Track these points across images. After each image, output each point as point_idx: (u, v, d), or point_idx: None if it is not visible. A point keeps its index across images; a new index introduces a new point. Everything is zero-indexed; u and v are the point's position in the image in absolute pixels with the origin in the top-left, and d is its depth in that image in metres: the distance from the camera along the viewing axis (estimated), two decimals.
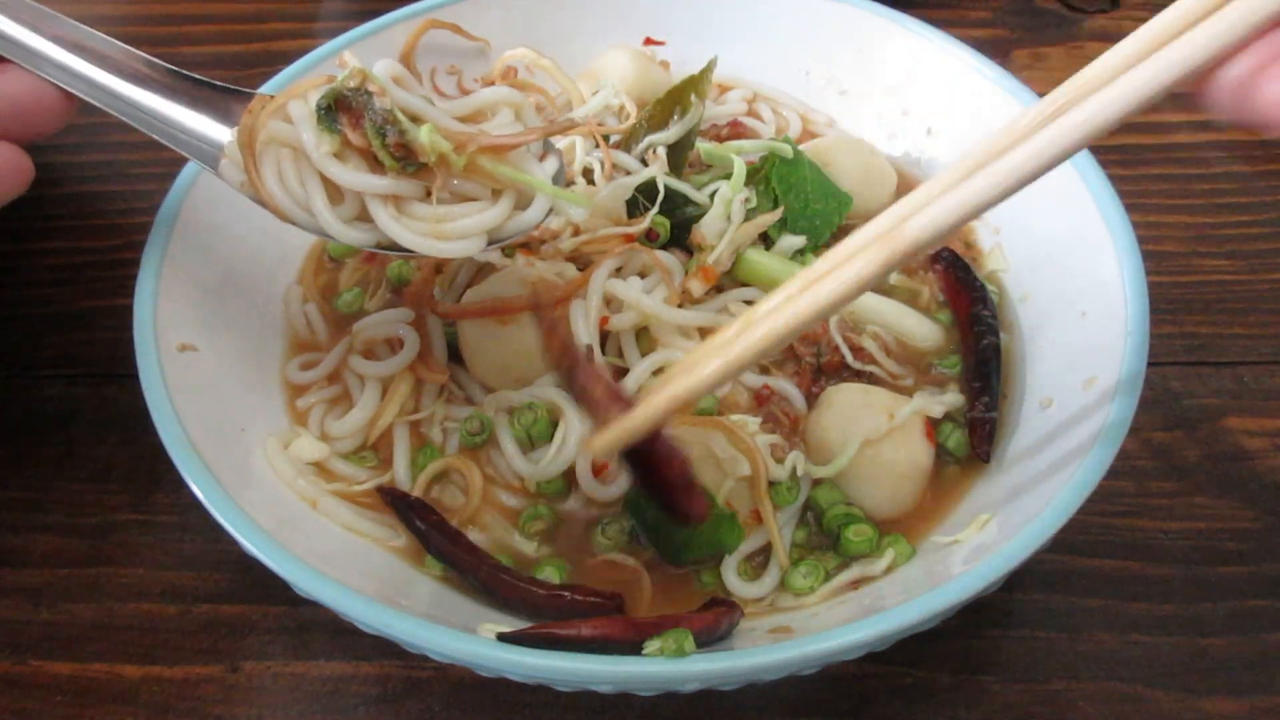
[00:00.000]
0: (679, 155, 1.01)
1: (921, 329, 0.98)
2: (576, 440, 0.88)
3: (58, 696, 0.84)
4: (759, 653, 0.67)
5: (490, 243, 0.78)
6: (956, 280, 1.01)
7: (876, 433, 0.85)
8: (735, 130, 1.16)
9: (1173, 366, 1.06)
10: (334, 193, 0.75)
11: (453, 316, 0.94)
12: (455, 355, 0.95)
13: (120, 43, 0.78)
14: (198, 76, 0.81)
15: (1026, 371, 0.95)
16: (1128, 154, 1.29)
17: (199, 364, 0.87)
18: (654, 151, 0.99)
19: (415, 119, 0.74)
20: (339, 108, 0.73)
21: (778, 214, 0.99)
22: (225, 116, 0.80)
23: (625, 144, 1.02)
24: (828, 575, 0.83)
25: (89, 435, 1.01)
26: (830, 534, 0.86)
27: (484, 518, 0.88)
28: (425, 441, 0.92)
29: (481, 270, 0.98)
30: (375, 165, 0.74)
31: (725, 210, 0.97)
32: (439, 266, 0.99)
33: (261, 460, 0.87)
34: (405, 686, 0.85)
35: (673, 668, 0.67)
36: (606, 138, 1.01)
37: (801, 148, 1.05)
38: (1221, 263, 1.16)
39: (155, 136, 0.78)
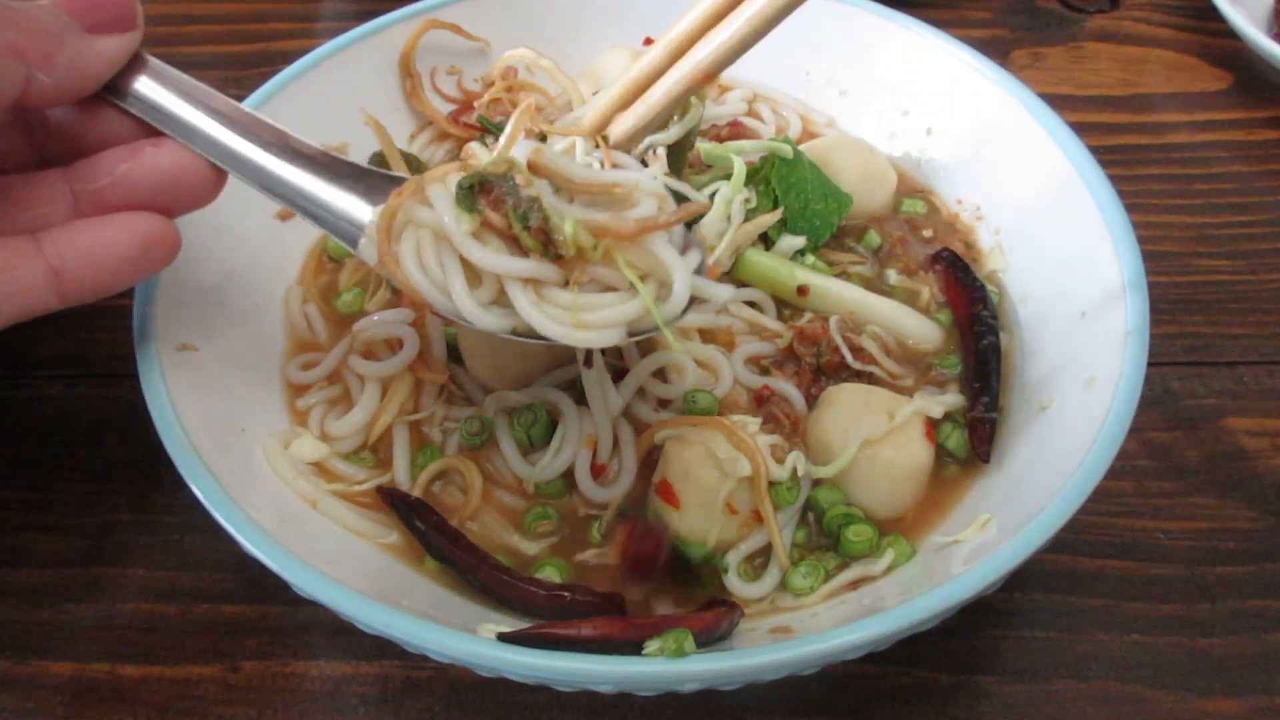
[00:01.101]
0: (679, 156, 1.01)
1: (921, 329, 0.98)
2: (575, 441, 0.88)
3: (58, 696, 0.84)
4: (759, 653, 0.67)
5: (630, 334, 0.75)
6: (956, 280, 1.01)
7: (876, 433, 0.85)
8: (735, 130, 1.16)
9: (1173, 366, 1.06)
10: (471, 276, 0.73)
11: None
12: (455, 355, 0.95)
13: (269, 120, 0.79)
14: (344, 158, 0.81)
15: (1026, 371, 0.95)
16: (1128, 154, 1.29)
17: (199, 364, 0.87)
18: (654, 152, 0.99)
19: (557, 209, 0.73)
20: (480, 190, 0.71)
21: (778, 214, 0.99)
22: (368, 195, 0.80)
23: (625, 144, 1.02)
24: (828, 575, 0.84)
25: (89, 435, 1.01)
26: (830, 534, 0.86)
27: (484, 517, 0.88)
28: (425, 441, 0.92)
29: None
30: (514, 249, 0.72)
31: (725, 210, 0.97)
32: None
33: (261, 460, 0.87)
34: (405, 686, 0.85)
35: (673, 668, 0.67)
36: (606, 138, 1.01)
37: (801, 148, 1.05)
38: (1221, 263, 1.16)
39: (297, 212, 0.79)
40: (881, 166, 1.09)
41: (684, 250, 0.77)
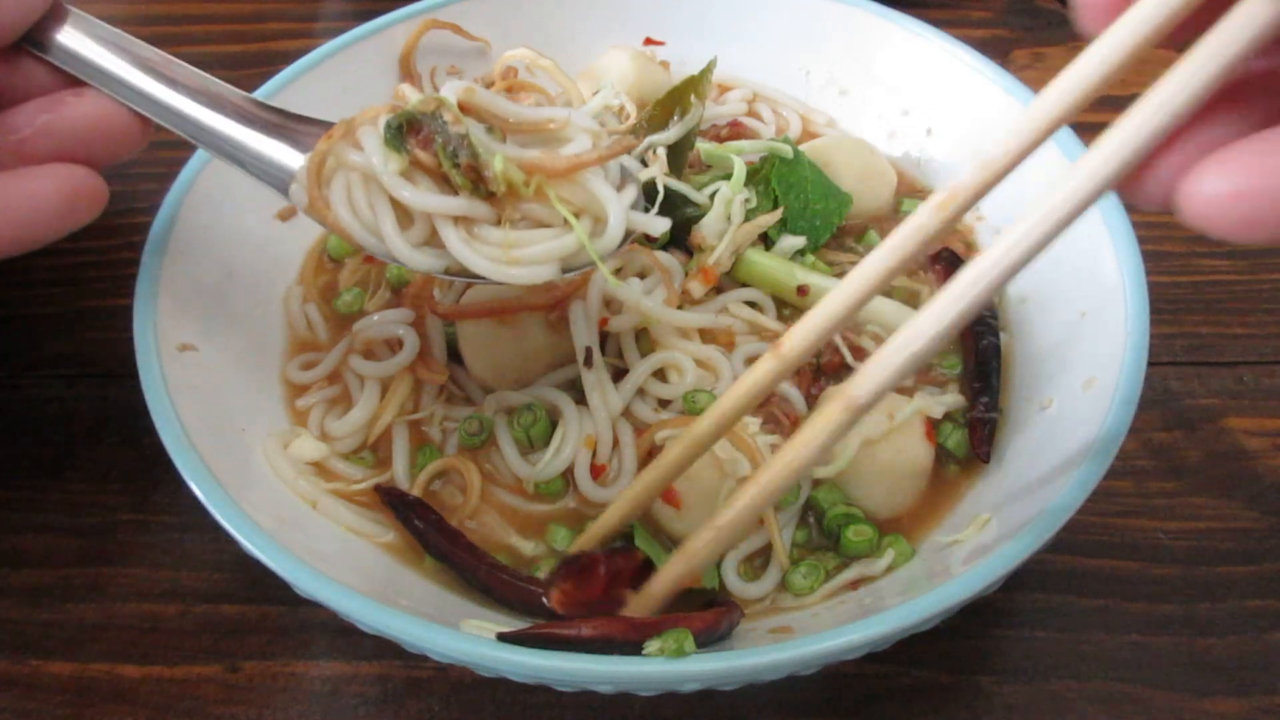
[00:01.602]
0: (679, 156, 1.01)
1: None
2: (575, 442, 0.88)
3: (58, 696, 0.84)
4: (759, 653, 0.67)
5: (565, 270, 0.76)
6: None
7: (876, 433, 0.85)
8: (735, 130, 1.16)
9: (1173, 366, 1.06)
10: (403, 217, 0.74)
11: (452, 317, 0.94)
12: (455, 355, 0.95)
13: (195, 69, 0.78)
14: (274, 105, 0.81)
15: (1026, 371, 0.95)
16: None
17: (199, 364, 0.87)
18: (654, 152, 0.99)
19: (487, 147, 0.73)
20: (409, 129, 0.71)
21: (778, 214, 0.99)
22: (298, 143, 0.79)
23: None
24: (828, 575, 0.84)
25: (89, 435, 1.01)
26: (830, 534, 0.86)
27: (483, 517, 0.88)
28: (425, 441, 0.92)
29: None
30: (444, 188, 0.72)
31: (725, 210, 0.97)
32: None
33: (261, 460, 0.87)
34: (405, 686, 0.85)
35: (673, 668, 0.67)
36: None
37: (801, 148, 1.05)
38: (1221, 263, 1.16)
39: (226, 162, 0.79)
40: (881, 166, 1.09)
41: (620, 187, 0.78)
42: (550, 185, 0.72)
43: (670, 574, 0.73)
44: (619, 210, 0.74)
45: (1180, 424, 1.02)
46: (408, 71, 1.15)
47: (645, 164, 1.00)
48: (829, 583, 0.83)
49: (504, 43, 1.17)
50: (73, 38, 0.75)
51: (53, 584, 0.91)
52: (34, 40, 0.73)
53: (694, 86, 1.00)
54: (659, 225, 0.78)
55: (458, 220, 0.72)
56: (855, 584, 0.83)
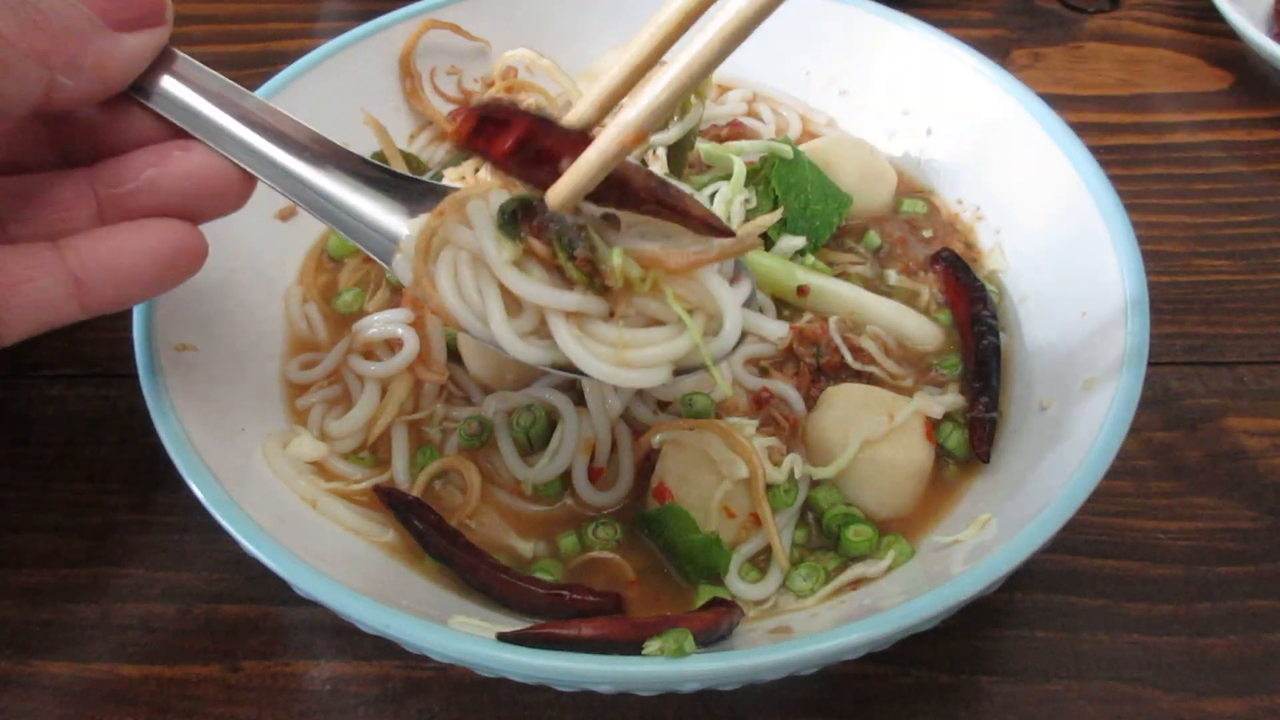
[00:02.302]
0: (679, 156, 1.01)
1: (921, 330, 0.98)
2: (573, 444, 0.88)
3: (58, 696, 0.84)
4: (759, 653, 0.67)
5: (676, 372, 0.71)
6: (956, 280, 1.01)
7: (876, 433, 0.85)
8: (735, 130, 1.16)
9: (1173, 366, 1.06)
10: (511, 304, 0.70)
11: None
12: (455, 355, 0.95)
13: (301, 122, 0.75)
14: (383, 165, 0.77)
15: (1026, 371, 0.95)
16: (1128, 154, 1.29)
17: (199, 364, 0.87)
18: (654, 152, 0.99)
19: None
20: (523, 215, 0.68)
21: (778, 214, 0.99)
22: (405, 207, 0.76)
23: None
24: (828, 576, 0.83)
25: (89, 435, 1.01)
26: (830, 534, 0.86)
27: (482, 517, 0.88)
28: (424, 441, 0.92)
29: None
30: (557, 278, 0.69)
31: (725, 211, 0.97)
32: None
33: (261, 460, 0.87)
34: (405, 686, 0.85)
35: (673, 668, 0.67)
36: None
37: (801, 148, 1.05)
38: (1221, 263, 1.16)
39: (329, 223, 0.76)
40: (881, 166, 1.09)
41: (734, 281, 0.73)
42: (667, 282, 0.68)
43: (617, 125, 0.63)
44: (735, 311, 0.70)
45: (1180, 424, 1.02)
46: (407, 71, 1.15)
47: (645, 164, 1.00)
48: (829, 583, 0.83)
49: (504, 43, 1.17)
50: (179, 87, 0.72)
51: (53, 584, 0.91)
52: (140, 87, 0.70)
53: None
54: (777, 329, 0.76)
55: (569, 315, 0.69)
56: (855, 584, 0.83)
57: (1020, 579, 0.88)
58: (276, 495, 0.84)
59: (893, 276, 1.04)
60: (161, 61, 0.71)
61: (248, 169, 0.73)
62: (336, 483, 0.88)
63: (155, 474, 0.97)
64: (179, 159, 0.71)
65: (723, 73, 1.18)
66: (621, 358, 0.69)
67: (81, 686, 0.85)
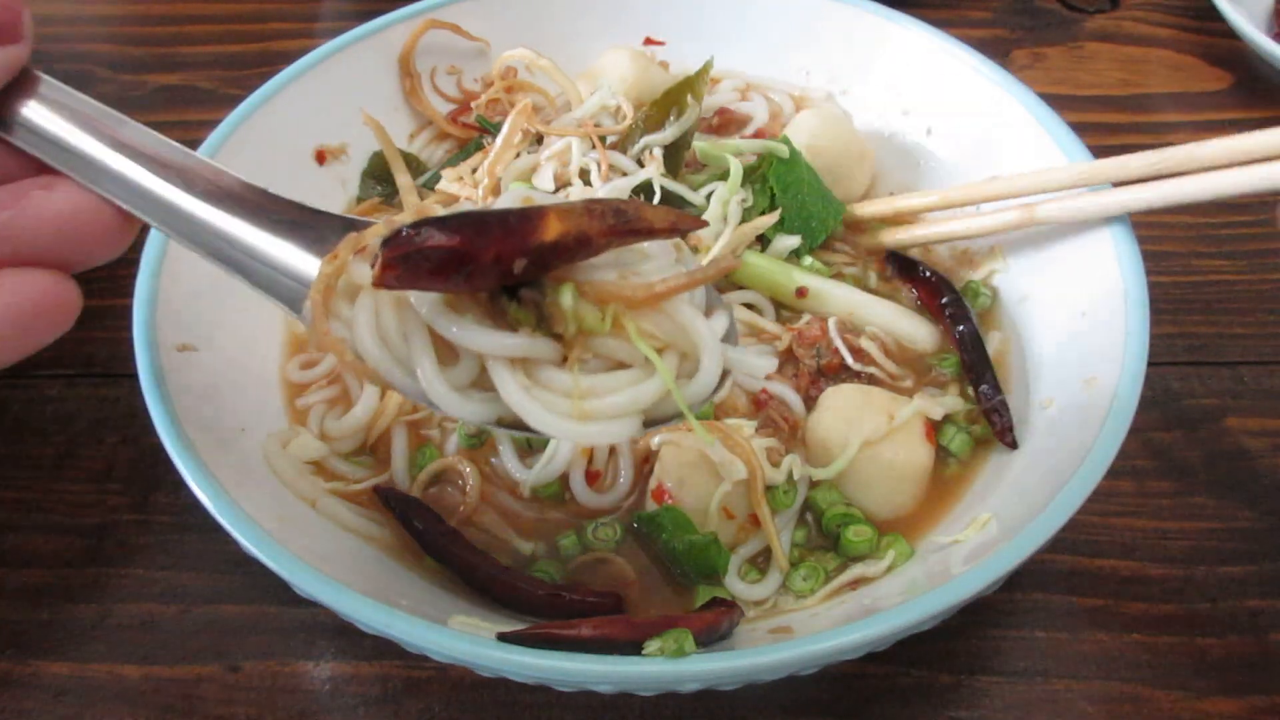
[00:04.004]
0: (675, 156, 1.01)
1: (918, 331, 0.98)
2: (570, 446, 0.88)
3: (58, 696, 0.84)
4: (759, 653, 0.67)
5: (647, 423, 0.61)
6: (915, 277, 1.02)
7: (876, 434, 0.85)
8: (724, 117, 1.16)
9: (1173, 366, 1.06)
10: (446, 351, 0.60)
11: None
12: None
13: (192, 151, 0.65)
14: (288, 199, 0.67)
15: (1026, 371, 0.95)
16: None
17: (199, 364, 0.87)
18: (650, 153, 0.99)
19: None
20: None
21: (775, 216, 0.98)
22: (320, 246, 0.65)
23: (621, 145, 1.02)
24: (828, 576, 0.83)
25: (89, 435, 1.01)
26: (830, 535, 0.86)
27: (482, 518, 0.88)
28: (424, 442, 0.92)
29: None
30: (499, 320, 0.59)
31: (722, 211, 0.97)
32: None
33: (261, 460, 0.87)
34: (405, 686, 0.85)
35: (673, 668, 0.67)
36: (603, 139, 1.01)
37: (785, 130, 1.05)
38: (1221, 263, 1.16)
39: (229, 270, 0.66)
40: (861, 147, 1.09)
41: (708, 312, 0.63)
42: (630, 316, 0.59)
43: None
44: (713, 346, 0.60)
45: (1180, 424, 1.02)
46: (407, 71, 1.15)
47: (641, 165, 1.00)
48: (829, 583, 0.83)
49: (503, 43, 1.17)
50: (42, 114, 0.62)
51: (53, 584, 0.91)
52: None
53: (690, 87, 1.00)
54: (765, 366, 0.67)
55: (516, 361, 0.59)
56: (855, 584, 0.83)
57: (1020, 579, 0.88)
58: (276, 495, 0.84)
59: (872, 279, 1.04)
60: (19, 85, 0.62)
61: (127, 208, 0.62)
62: (336, 483, 0.88)
63: (155, 474, 0.97)
64: (39, 200, 0.60)
65: (722, 72, 1.19)
66: (580, 409, 0.59)
67: (81, 686, 0.85)
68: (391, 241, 0.54)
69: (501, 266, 0.56)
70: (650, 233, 0.60)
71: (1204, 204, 0.87)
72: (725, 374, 0.62)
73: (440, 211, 0.57)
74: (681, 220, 0.61)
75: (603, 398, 0.60)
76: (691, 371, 0.61)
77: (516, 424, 0.60)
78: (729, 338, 0.64)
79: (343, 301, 0.61)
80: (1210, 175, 0.85)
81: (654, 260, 0.62)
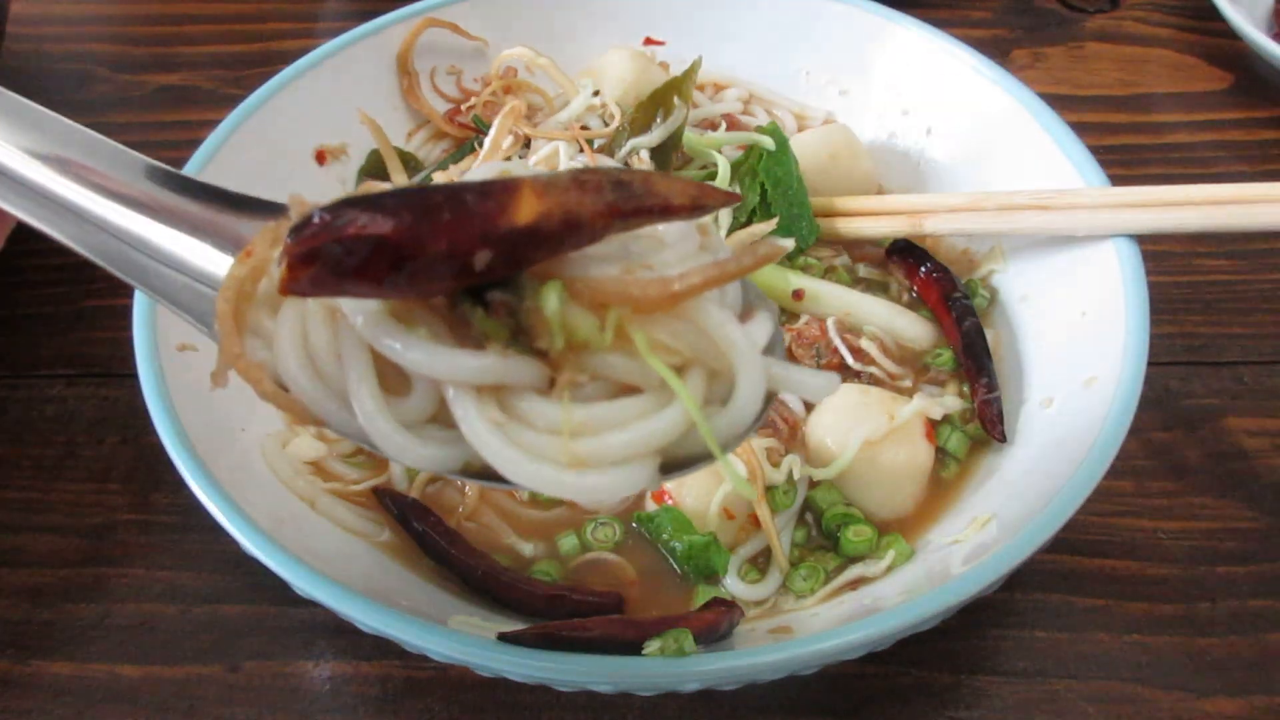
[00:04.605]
0: (664, 158, 1.01)
1: (915, 329, 0.98)
2: None
3: (58, 696, 0.84)
4: (759, 653, 0.67)
5: (666, 469, 0.47)
6: (919, 269, 1.02)
7: (876, 434, 0.85)
8: (731, 123, 1.16)
9: (1173, 366, 1.06)
10: (393, 377, 0.46)
11: None
12: None
13: (85, 128, 0.52)
14: (204, 183, 0.55)
15: (1026, 371, 0.95)
16: (1128, 154, 1.29)
17: (199, 364, 0.87)
18: (638, 156, 0.99)
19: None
20: None
21: (772, 224, 0.98)
22: (238, 241, 0.53)
23: (609, 148, 1.02)
24: (827, 576, 0.83)
25: (89, 435, 1.01)
26: (830, 535, 0.86)
27: (482, 518, 0.88)
28: None
29: None
30: (463, 333, 0.45)
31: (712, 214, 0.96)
32: None
33: (260, 460, 0.87)
34: (405, 686, 0.85)
35: (673, 668, 0.67)
36: (590, 142, 1.00)
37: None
38: (1221, 263, 1.16)
39: (117, 271, 0.52)
40: (855, 146, 1.09)
41: (745, 316, 0.50)
42: (639, 324, 0.44)
43: None
44: (753, 361, 0.46)
45: (1180, 424, 1.02)
46: (405, 70, 1.15)
47: (628, 166, 0.99)
48: (829, 583, 0.83)
49: (503, 42, 1.17)
50: None
51: (53, 584, 0.91)
52: None
53: (677, 88, 1.00)
54: (825, 387, 0.49)
55: (484, 389, 0.45)
56: (855, 584, 0.83)
57: (1020, 579, 0.88)
58: (276, 495, 0.84)
59: (861, 268, 1.04)
60: None
61: None
62: (335, 483, 0.88)
63: (155, 474, 0.97)
64: None
65: (721, 72, 1.19)
66: (573, 453, 0.44)
67: (81, 686, 0.85)
68: (300, 231, 0.40)
69: (458, 261, 0.41)
70: (665, 211, 0.45)
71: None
72: (770, 395, 0.47)
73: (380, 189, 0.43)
74: (706, 194, 0.46)
75: (602, 436, 0.45)
76: (724, 395, 0.47)
77: (488, 472, 0.45)
78: (773, 348, 0.50)
79: (263, 312, 0.49)
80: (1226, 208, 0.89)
81: (671, 249, 0.47)
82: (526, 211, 0.41)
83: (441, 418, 0.46)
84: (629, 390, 0.46)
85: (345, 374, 0.46)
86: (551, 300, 0.43)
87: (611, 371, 0.45)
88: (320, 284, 0.41)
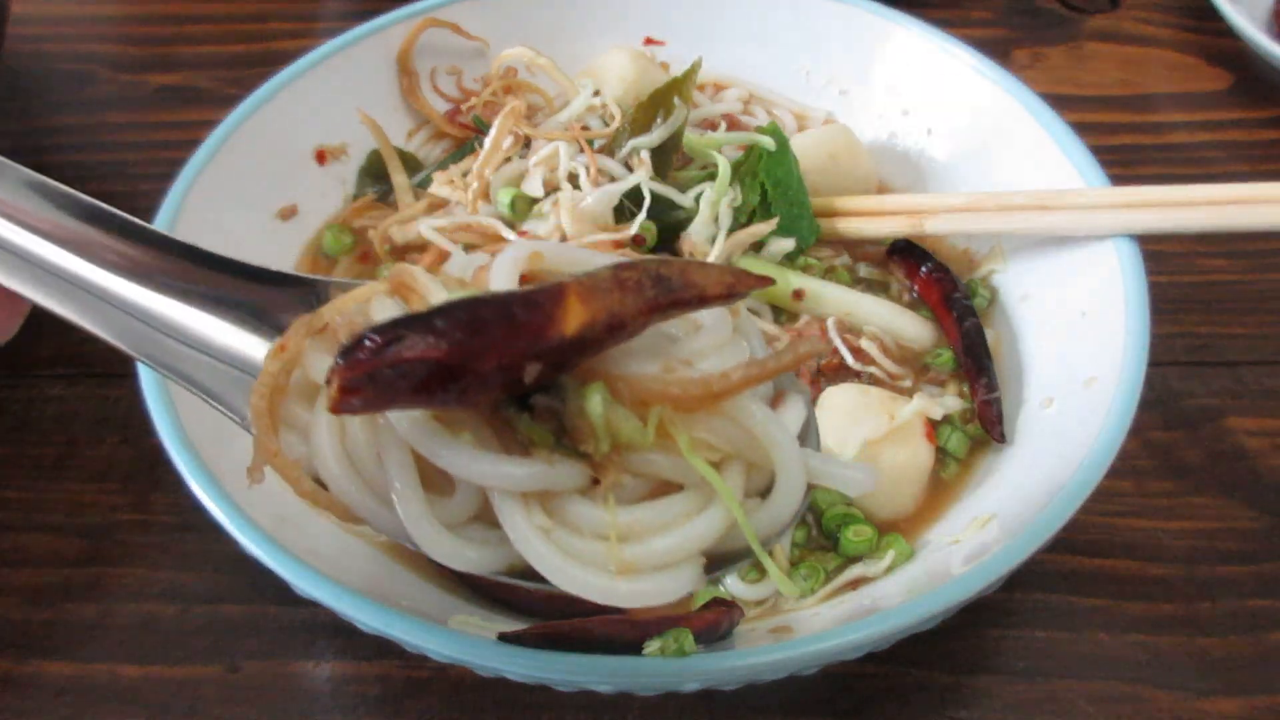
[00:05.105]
0: (664, 159, 1.00)
1: (914, 328, 0.98)
2: None
3: (58, 696, 0.84)
4: (759, 652, 0.67)
5: (711, 568, 0.48)
6: (919, 268, 1.02)
7: (876, 433, 0.85)
8: (731, 123, 1.16)
9: (1173, 366, 1.06)
10: (437, 476, 0.46)
11: None
12: None
13: (105, 206, 0.50)
14: (229, 258, 0.52)
15: (1026, 371, 0.95)
16: (1128, 154, 1.29)
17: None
18: (639, 156, 0.99)
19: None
20: None
21: (773, 224, 0.98)
22: (267, 320, 0.52)
23: (609, 148, 1.02)
24: (827, 576, 0.84)
25: (89, 435, 1.01)
26: (830, 535, 0.86)
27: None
28: None
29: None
30: (506, 435, 0.45)
31: (712, 213, 0.96)
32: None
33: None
34: (405, 686, 0.85)
35: (673, 668, 0.67)
36: (590, 143, 1.00)
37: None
38: (1221, 263, 1.16)
39: (141, 358, 0.50)
40: (855, 147, 1.09)
41: (775, 402, 0.51)
42: (680, 422, 0.44)
43: None
44: (794, 458, 0.46)
45: (1180, 424, 1.02)
46: (405, 69, 1.15)
47: (630, 168, 0.99)
48: (829, 583, 0.83)
49: (503, 42, 1.17)
50: None
51: (53, 584, 0.91)
52: None
53: (678, 89, 1.00)
54: (864, 482, 0.50)
55: (530, 496, 0.45)
56: (855, 584, 0.83)
57: (1020, 579, 0.88)
58: (276, 495, 0.84)
59: (862, 268, 1.04)
60: None
61: (10, 285, 0.49)
62: None
63: (155, 474, 0.97)
64: None
65: (721, 72, 1.19)
66: (620, 558, 0.44)
67: (81, 686, 0.85)
68: (351, 354, 0.40)
69: (507, 375, 0.42)
70: (701, 301, 0.46)
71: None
72: (809, 490, 0.47)
73: (428, 291, 0.43)
74: (741, 280, 0.46)
75: (647, 541, 0.45)
76: (761, 487, 0.47)
77: (529, 573, 0.46)
78: (807, 435, 0.50)
79: (298, 405, 0.48)
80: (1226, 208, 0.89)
81: (706, 334, 0.48)
82: (573, 321, 0.42)
83: (484, 516, 0.47)
84: (665, 486, 0.46)
85: (387, 474, 0.45)
86: (596, 404, 0.43)
87: (654, 470, 0.46)
88: (371, 404, 0.41)
